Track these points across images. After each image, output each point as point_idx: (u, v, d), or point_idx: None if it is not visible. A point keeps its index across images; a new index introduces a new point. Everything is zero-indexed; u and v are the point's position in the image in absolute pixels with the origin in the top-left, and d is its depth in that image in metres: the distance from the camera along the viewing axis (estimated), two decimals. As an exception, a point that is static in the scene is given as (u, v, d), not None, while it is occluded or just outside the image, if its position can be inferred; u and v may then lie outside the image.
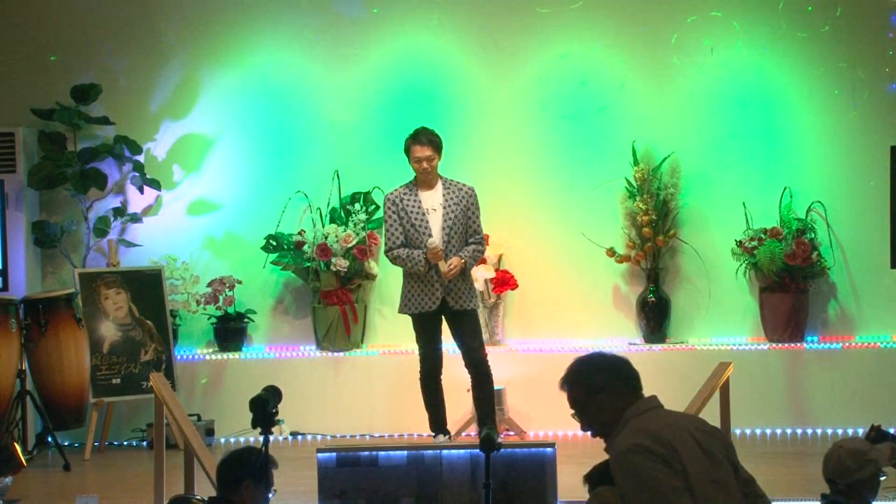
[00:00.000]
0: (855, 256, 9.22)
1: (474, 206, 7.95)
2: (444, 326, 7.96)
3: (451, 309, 7.84)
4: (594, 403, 4.41)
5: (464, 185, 7.97)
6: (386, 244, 7.95)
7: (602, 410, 4.39)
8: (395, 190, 7.95)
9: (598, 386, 4.41)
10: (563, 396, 9.61)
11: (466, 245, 7.89)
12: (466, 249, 7.87)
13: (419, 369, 7.95)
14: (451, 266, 7.75)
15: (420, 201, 7.87)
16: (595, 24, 9.36)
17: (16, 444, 6.94)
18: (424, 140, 7.84)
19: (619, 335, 9.29)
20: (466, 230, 7.91)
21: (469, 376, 7.96)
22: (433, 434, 7.98)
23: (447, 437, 7.96)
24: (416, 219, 7.84)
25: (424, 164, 7.84)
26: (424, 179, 7.90)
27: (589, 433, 4.47)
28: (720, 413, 6.56)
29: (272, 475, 4.96)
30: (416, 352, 7.95)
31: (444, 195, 7.88)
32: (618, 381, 4.41)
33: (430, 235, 7.79)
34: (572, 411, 4.51)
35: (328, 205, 9.31)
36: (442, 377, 7.96)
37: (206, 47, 9.45)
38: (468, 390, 8.45)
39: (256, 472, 4.81)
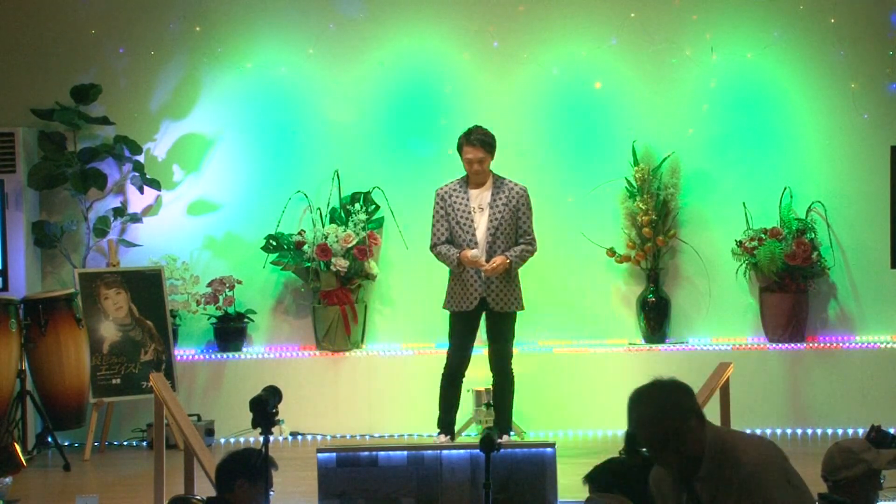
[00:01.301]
0: (855, 256, 9.22)
1: (525, 206, 7.92)
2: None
3: (492, 309, 7.84)
4: (689, 430, 3.99)
5: (516, 184, 7.95)
6: (431, 239, 7.97)
7: (694, 437, 4.00)
8: (446, 185, 7.97)
9: (690, 409, 4.03)
10: (562, 395, 9.63)
11: (516, 245, 7.88)
12: (514, 250, 7.86)
13: (444, 365, 7.94)
14: (494, 265, 7.74)
15: (468, 199, 7.87)
16: (595, 24, 9.36)
17: (16, 444, 6.93)
18: (476, 141, 7.84)
19: (619, 335, 9.29)
20: (516, 230, 7.89)
21: (492, 376, 7.99)
22: (439, 431, 7.95)
23: (448, 437, 7.95)
24: (461, 217, 7.83)
25: (475, 166, 7.84)
26: (475, 178, 7.89)
27: (674, 467, 4.02)
28: (720, 413, 6.56)
29: (271, 476, 4.96)
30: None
31: (493, 195, 7.86)
32: (697, 402, 4.10)
33: (473, 234, 7.80)
34: (652, 450, 4.03)
35: (328, 205, 9.31)
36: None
37: (206, 47, 9.44)
38: (467, 391, 8.46)
39: (252, 472, 4.81)
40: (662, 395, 4.03)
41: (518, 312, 8.04)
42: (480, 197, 7.88)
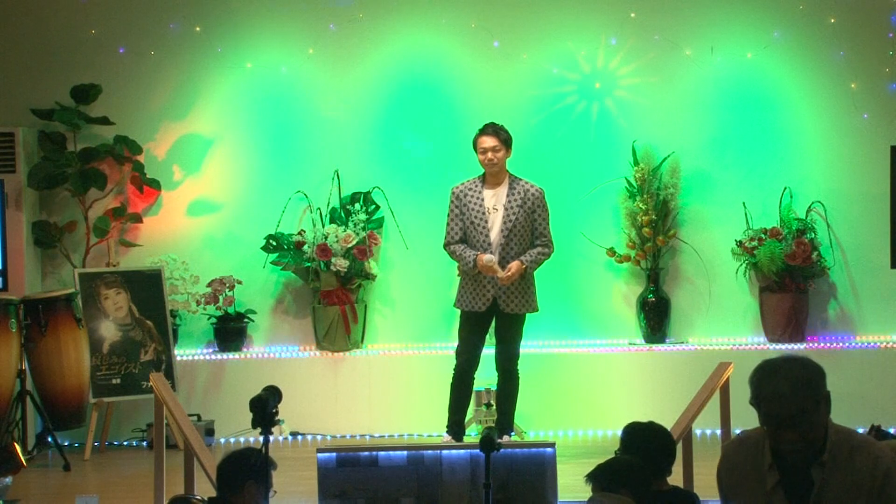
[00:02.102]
0: (855, 256, 9.22)
1: (541, 207, 7.88)
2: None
3: (502, 311, 7.82)
4: (818, 413, 3.81)
5: (532, 185, 7.91)
6: (445, 237, 7.94)
7: (821, 421, 3.82)
8: (462, 184, 7.95)
9: (822, 391, 3.84)
10: (562, 395, 9.61)
11: (532, 247, 7.86)
12: (530, 253, 7.82)
13: (454, 365, 7.93)
14: (510, 272, 7.71)
15: (482, 199, 7.84)
16: (595, 24, 9.36)
17: (16, 444, 6.93)
18: (490, 131, 7.84)
19: (619, 335, 9.29)
20: (532, 232, 7.87)
21: (497, 376, 7.98)
22: (447, 433, 7.92)
23: (456, 441, 7.93)
24: (475, 216, 7.81)
25: (490, 155, 7.80)
26: (491, 174, 7.86)
27: (792, 448, 3.82)
28: (720, 413, 6.55)
29: (271, 476, 4.97)
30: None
31: (508, 195, 7.82)
32: (826, 386, 3.88)
33: (487, 234, 7.77)
34: (776, 426, 3.82)
35: (328, 205, 9.31)
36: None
37: (206, 47, 9.44)
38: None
39: (259, 473, 4.81)
40: (800, 371, 3.81)
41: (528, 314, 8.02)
42: (496, 197, 7.84)
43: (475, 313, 7.83)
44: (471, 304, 7.83)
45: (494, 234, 7.77)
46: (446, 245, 7.93)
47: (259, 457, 4.77)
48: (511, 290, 7.78)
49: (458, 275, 8.06)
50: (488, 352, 8.09)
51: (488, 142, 7.81)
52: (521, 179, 7.93)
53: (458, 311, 8.02)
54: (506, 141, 7.86)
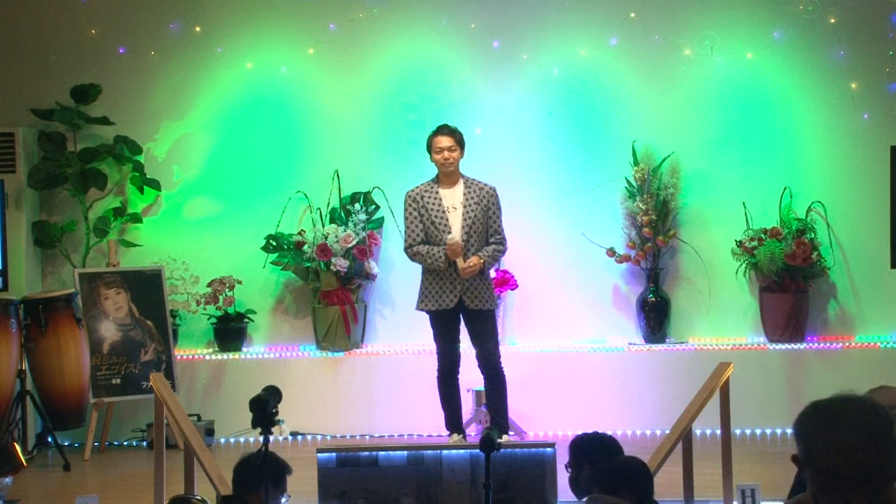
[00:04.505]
0: (855, 256, 9.23)
1: (495, 205, 7.93)
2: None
3: (468, 308, 7.84)
4: (892, 469, 2.94)
5: (485, 184, 7.96)
6: (406, 241, 7.95)
7: (894, 478, 2.97)
8: (417, 187, 7.96)
9: (894, 439, 2.99)
10: (562, 395, 9.60)
11: (487, 245, 7.89)
12: (486, 249, 7.86)
13: (437, 367, 7.94)
14: (470, 265, 7.74)
15: (440, 199, 7.87)
16: (595, 24, 9.36)
17: (16, 444, 6.93)
18: (446, 131, 7.90)
19: (619, 335, 9.29)
20: (487, 230, 7.90)
21: (482, 377, 7.97)
22: (448, 433, 7.96)
23: (462, 436, 7.95)
24: (436, 216, 7.83)
25: (446, 154, 7.83)
26: (446, 174, 7.88)
27: None
28: (720, 413, 6.55)
29: (286, 481, 5.01)
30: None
31: (464, 194, 7.87)
32: None
33: (449, 233, 7.79)
34: (839, 487, 2.93)
35: (328, 205, 9.31)
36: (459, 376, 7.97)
37: (206, 47, 9.45)
38: (468, 391, 8.46)
39: (276, 475, 4.86)
40: (869, 415, 3.00)
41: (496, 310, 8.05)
42: (453, 196, 7.89)
43: (445, 312, 7.84)
44: (438, 303, 7.84)
45: (455, 231, 7.80)
46: (408, 248, 7.93)
47: (273, 460, 4.81)
48: (474, 286, 7.81)
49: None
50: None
51: (444, 141, 7.85)
52: (472, 179, 7.96)
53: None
54: (460, 142, 7.92)
